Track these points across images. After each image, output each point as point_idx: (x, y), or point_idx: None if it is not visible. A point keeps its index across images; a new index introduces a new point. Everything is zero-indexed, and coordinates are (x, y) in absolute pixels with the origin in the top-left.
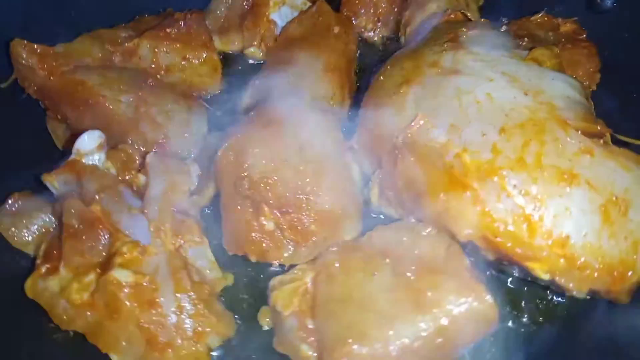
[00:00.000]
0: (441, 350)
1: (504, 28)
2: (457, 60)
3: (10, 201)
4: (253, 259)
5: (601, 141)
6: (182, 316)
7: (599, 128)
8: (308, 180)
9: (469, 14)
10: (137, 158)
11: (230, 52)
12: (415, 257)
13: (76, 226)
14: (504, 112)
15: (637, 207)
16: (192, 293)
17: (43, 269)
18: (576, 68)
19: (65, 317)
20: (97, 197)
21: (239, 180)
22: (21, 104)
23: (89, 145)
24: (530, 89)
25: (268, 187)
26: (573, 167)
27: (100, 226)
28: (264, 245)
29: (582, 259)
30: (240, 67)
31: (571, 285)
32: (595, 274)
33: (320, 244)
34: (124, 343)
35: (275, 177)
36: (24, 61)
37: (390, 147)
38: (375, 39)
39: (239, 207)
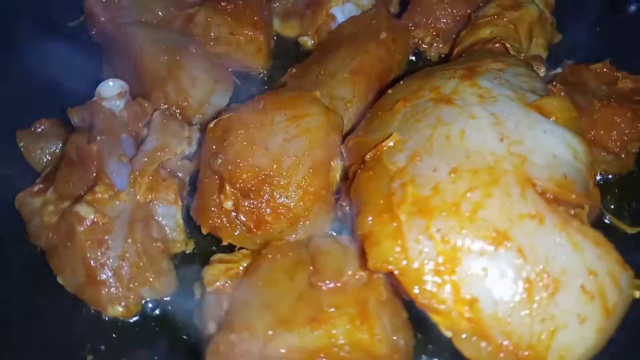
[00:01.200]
0: None
1: (558, 70)
2: (456, 90)
3: (38, 124)
4: (204, 230)
5: (572, 212)
6: (123, 263)
7: (573, 197)
8: (280, 173)
9: (509, 45)
10: (150, 113)
11: (287, 36)
12: (337, 274)
13: (73, 159)
14: (467, 153)
15: (568, 293)
16: (139, 245)
17: (36, 188)
18: (612, 129)
19: (35, 232)
20: (98, 138)
21: (214, 155)
22: (82, 43)
23: (111, 92)
24: (509, 136)
25: (237, 169)
26: (510, 229)
27: (91, 164)
28: (217, 221)
29: (488, 330)
30: (291, 53)
31: (472, 354)
32: (500, 353)
33: (274, 236)
34: (69, 270)
35: (248, 161)
36: (91, 6)
37: (361, 160)
38: (432, 53)
39: (207, 180)
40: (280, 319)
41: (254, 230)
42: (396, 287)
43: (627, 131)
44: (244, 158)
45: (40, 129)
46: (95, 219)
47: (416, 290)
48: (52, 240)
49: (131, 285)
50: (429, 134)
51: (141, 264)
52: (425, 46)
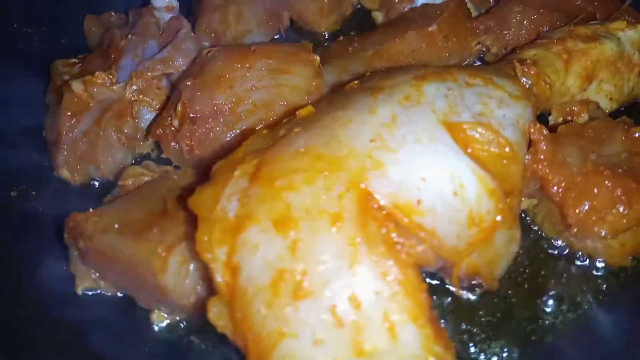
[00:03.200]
0: None
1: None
2: (396, 85)
3: (106, 15)
4: (150, 136)
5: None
6: (84, 138)
7: (421, 233)
8: (230, 115)
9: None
10: (184, 31)
11: (367, 8)
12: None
13: (104, 47)
14: (330, 139)
15: (316, 305)
16: (103, 131)
17: (71, 61)
18: (582, 200)
19: (49, 91)
20: (129, 36)
21: (188, 74)
22: None
23: (161, 3)
24: (385, 140)
25: (196, 94)
26: (301, 220)
27: (113, 55)
28: (161, 132)
29: (237, 302)
30: (363, 25)
31: (213, 318)
32: (233, 326)
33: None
34: (49, 128)
35: (209, 92)
36: None
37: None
38: None
39: (174, 95)
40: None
41: (184, 155)
42: None
43: (600, 211)
44: (208, 88)
45: (107, 19)
46: (81, 95)
47: (204, 238)
48: (51, 101)
49: (82, 158)
50: (330, 113)
51: (97, 145)
52: (491, 56)
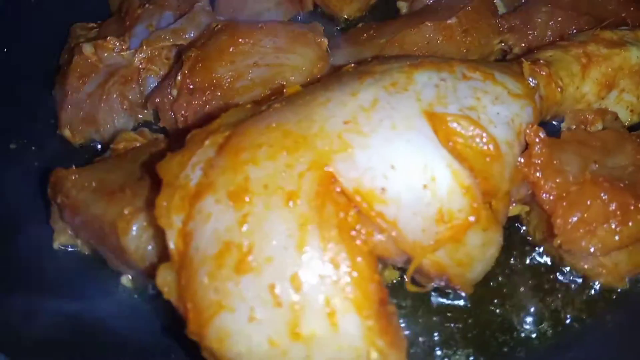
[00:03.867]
0: None
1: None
2: (388, 71)
3: None
4: (149, 105)
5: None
6: (88, 100)
7: (373, 214)
8: (228, 90)
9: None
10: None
11: None
12: None
13: (122, 14)
14: (302, 117)
15: (256, 282)
16: (107, 95)
17: (90, 25)
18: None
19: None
20: (146, 5)
21: (193, 46)
22: None
23: None
24: (358, 124)
25: (197, 67)
26: (256, 195)
27: (128, 22)
28: (158, 101)
29: (186, 270)
30: (388, 13)
31: (161, 283)
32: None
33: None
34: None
35: (210, 65)
36: None
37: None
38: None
39: (177, 64)
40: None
41: (179, 125)
42: None
43: (590, 224)
44: (209, 60)
45: None
46: (90, 58)
47: (164, 203)
48: (64, 62)
49: (84, 119)
50: (313, 92)
51: (100, 108)
52: (513, 56)
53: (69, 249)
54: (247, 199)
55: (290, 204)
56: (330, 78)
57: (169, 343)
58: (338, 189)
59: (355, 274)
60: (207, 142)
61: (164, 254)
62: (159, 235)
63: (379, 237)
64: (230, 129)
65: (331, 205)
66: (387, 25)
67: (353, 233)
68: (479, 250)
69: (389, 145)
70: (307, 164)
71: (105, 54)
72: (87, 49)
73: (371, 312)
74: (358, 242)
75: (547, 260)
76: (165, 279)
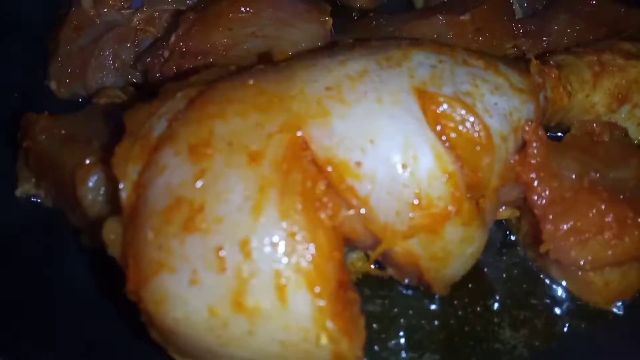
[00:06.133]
0: None
1: None
2: (386, 46)
3: None
4: (139, 65)
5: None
6: (79, 54)
7: (342, 187)
8: (221, 57)
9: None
10: None
11: None
12: None
13: None
14: (283, 79)
15: (199, 244)
16: (99, 51)
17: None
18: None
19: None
20: None
21: (194, 9)
22: None
23: None
24: (342, 92)
25: (191, 31)
26: (217, 153)
27: None
28: (148, 61)
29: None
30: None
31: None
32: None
33: None
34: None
35: (206, 31)
36: None
37: None
38: None
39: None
40: None
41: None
42: None
43: (582, 234)
44: (206, 24)
45: None
46: (88, 12)
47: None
48: (62, 14)
49: (73, 73)
50: (303, 57)
51: (90, 64)
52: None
53: (32, 200)
54: (207, 154)
55: (254, 164)
56: (323, 48)
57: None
58: (309, 157)
59: (312, 247)
60: (179, 94)
61: (116, 208)
62: (114, 187)
63: (346, 213)
64: (206, 85)
65: (298, 172)
66: (398, 16)
67: (318, 204)
68: (457, 246)
69: (370, 118)
70: (278, 125)
71: (105, 10)
72: (86, 2)
73: (325, 291)
74: (322, 215)
75: (532, 267)
76: (111, 233)
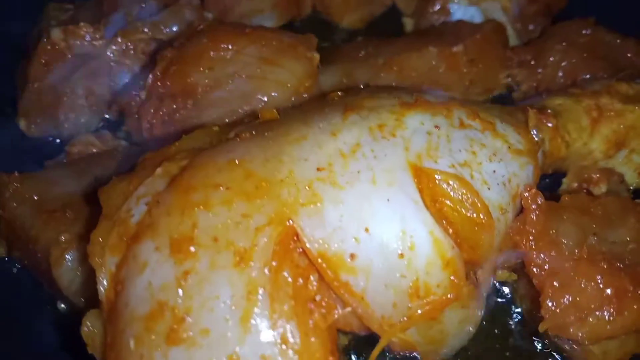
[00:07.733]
0: None
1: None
2: (376, 107)
3: None
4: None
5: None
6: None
7: (335, 284)
8: (201, 99)
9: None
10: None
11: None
12: None
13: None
14: (270, 156)
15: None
16: (71, 86)
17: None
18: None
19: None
20: None
21: (169, 44)
22: None
23: None
24: (334, 172)
25: (171, 69)
26: (200, 238)
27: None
28: (124, 99)
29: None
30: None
31: None
32: None
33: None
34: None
35: (186, 69)
36: None
37: None
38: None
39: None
40: None
41: (143, 132)
42: None
43: (582, 310)
44: (185, 64)
45: None
46: (59, 44)
47: (99, 239)
48: (32, 45)
49: (44, 111)
50: (289, 123)
51: (62, 102)
52: (521, 94)
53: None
54: (190, 251)
55: (241, 265)
56: (311, 106)
57: None
58: (299, 250)
59: (306, 357)
60: (158, 171)
61: (95, 296)
62: (91, 273)
63: (341, 310)
64: (188, 158)
65: (289, 269)
66: (387, 44)
67: (311, 306)
68: (456, 327)
69: (365, 203)
70: (266, 217)
71: (76, 42)
72: (56, 33)
73: None
74: (316, 316)
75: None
76: (90, 330)
